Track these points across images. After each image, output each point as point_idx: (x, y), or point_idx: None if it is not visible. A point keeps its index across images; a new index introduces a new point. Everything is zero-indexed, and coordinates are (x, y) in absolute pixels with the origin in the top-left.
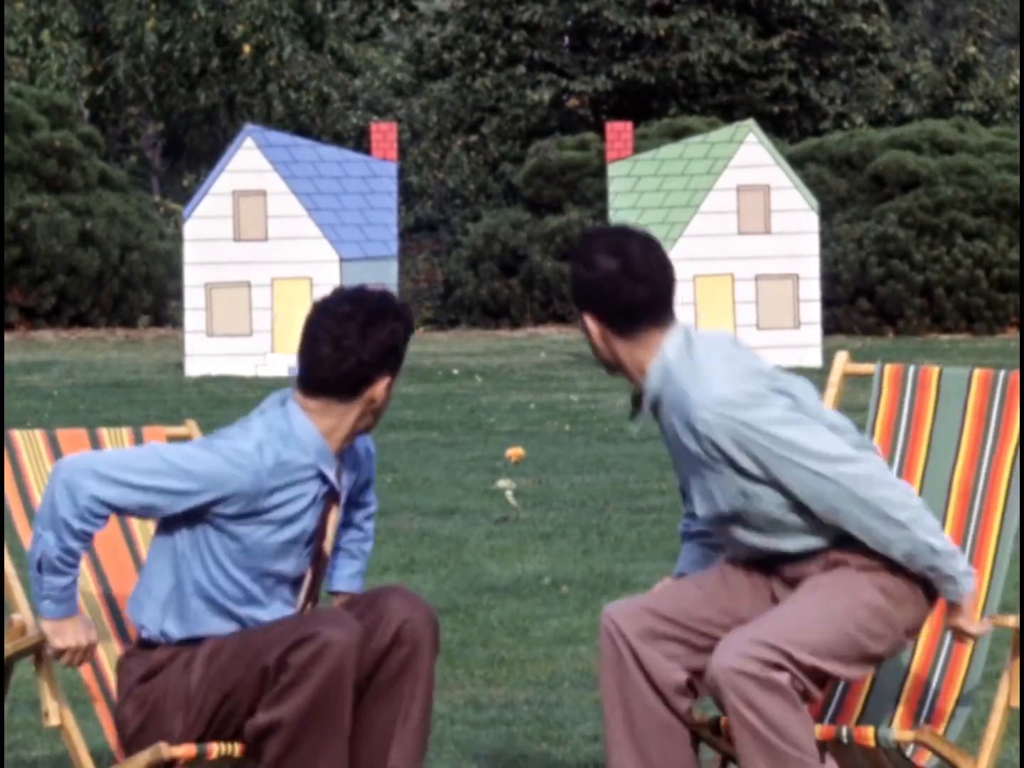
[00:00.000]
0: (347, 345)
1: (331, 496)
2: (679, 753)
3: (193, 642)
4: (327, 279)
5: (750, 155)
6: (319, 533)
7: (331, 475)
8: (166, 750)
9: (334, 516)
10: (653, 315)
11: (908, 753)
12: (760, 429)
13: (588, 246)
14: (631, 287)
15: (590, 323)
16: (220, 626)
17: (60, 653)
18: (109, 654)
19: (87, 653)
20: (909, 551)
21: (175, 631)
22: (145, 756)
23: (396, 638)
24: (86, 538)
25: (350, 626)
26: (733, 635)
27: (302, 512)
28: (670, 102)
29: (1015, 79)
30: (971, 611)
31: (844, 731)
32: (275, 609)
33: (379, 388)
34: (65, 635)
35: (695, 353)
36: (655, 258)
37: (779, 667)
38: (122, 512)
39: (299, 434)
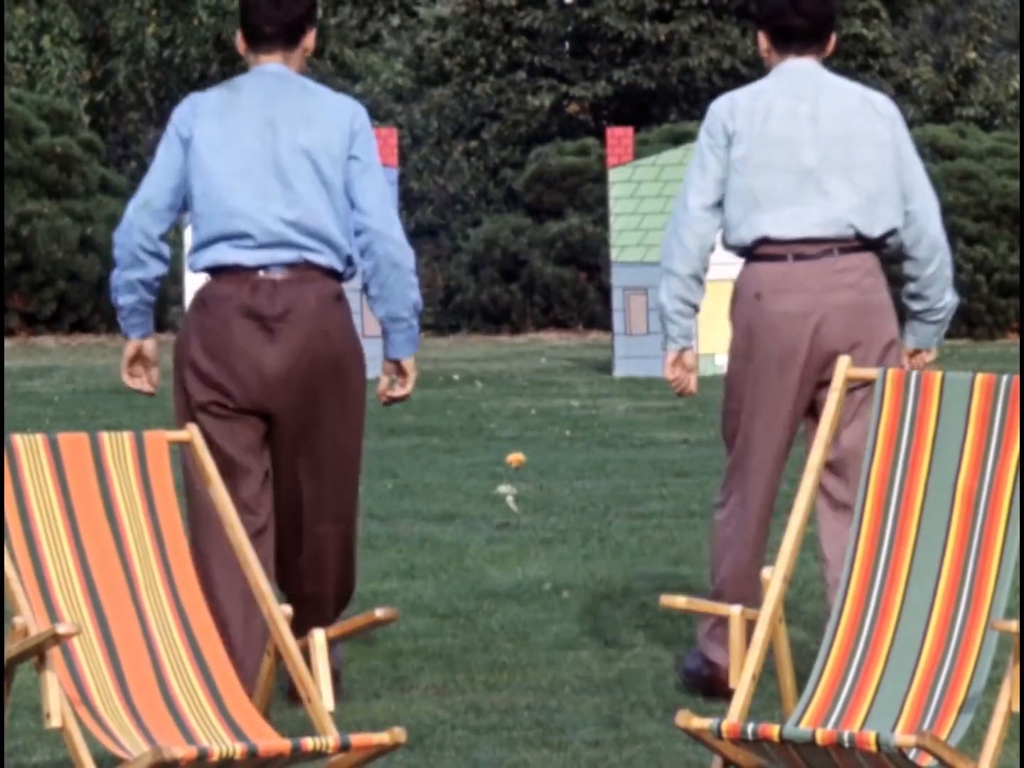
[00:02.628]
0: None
1: None
2: None
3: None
4: None
5: None
6: None
7: None
8: (167, 751)
9: None
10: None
11: (911, 756)
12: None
13: None
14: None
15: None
16: None
17: None
18: (87, 654)
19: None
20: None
21: None
22: (147, 758)
23: None
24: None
25: None
26: None
27: None
28: (671, 107)
29: (1016, 84)
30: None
31: (846, 736)
32: None
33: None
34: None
35: None
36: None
37: None
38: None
39: None
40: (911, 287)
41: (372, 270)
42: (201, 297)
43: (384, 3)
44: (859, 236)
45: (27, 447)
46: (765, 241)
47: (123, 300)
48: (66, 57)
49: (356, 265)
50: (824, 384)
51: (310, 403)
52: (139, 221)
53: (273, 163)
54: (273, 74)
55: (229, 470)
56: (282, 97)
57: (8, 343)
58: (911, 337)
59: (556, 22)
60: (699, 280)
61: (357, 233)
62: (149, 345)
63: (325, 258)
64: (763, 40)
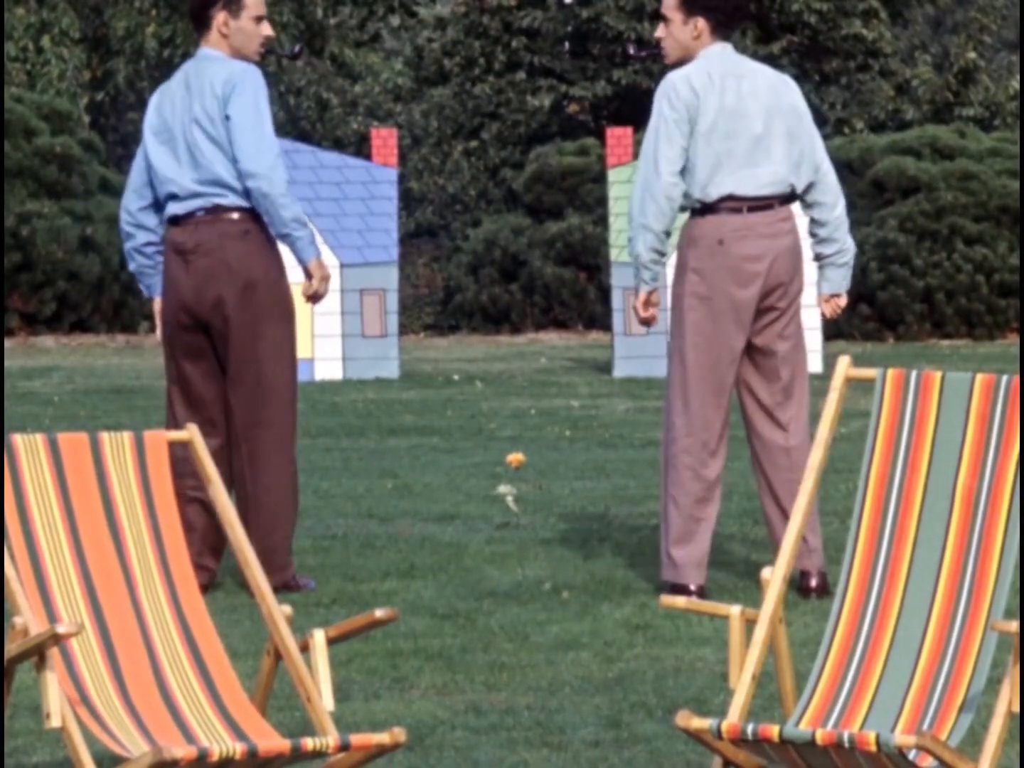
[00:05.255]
0: None
1: None
2: None
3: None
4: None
5: None
6: None
7: None
8: (167, 751)
9: None
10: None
11: (911, 756)
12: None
13: None
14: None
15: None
16: None
17: None
18: (85, 655)
19: None
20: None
21: None
22: (147, 758)
23: None
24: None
25: None
26: None
27: None
28: None
29: (1015, 85)
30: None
31: (846, 736)
32: None
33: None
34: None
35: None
36: None
37: None
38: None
39: None
40: (822, 232)
41: (253, 203)
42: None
43: (384, 3)
44: (792, 192)
45: (27, 447)
46: (729, 197)
47: (132, 267)
48: (66, 57)
49: None
50: (764, 311)
51: (222, 320)
52: (125, 202)
53: (182, 134)
54: (195, 58)
55: (182, 375)
56: (191, 77)
57: (8, 343)
58: (826, 284)
59: (556, 22)
60: (668, 233)
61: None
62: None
63: (228, 199)
64: (702, 23)
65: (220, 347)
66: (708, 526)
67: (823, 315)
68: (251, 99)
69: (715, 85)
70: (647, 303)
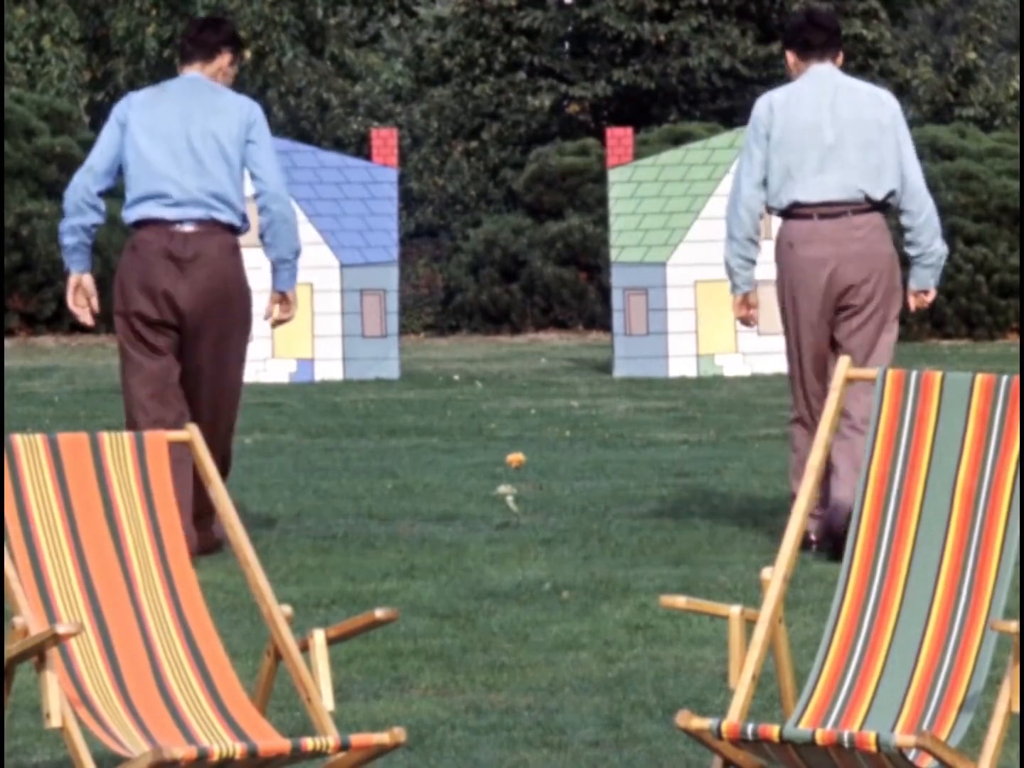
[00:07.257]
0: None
1: None
2: None
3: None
4: (327, 284)
5: None
6: None
7: None
8: (168, 751)
9: None
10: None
11: (911, 756)
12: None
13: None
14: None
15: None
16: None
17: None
18: (85, 655)
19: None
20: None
21: None
22: (147, 758)
23: None
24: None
25: None
26: None
27: None
28: (670, 108)
29: (1015, 85)
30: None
31: (846, 736)
32: None
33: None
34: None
35: None
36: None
37: None
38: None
39: None
40: (908, 236)
41: (267, 224)
42: (132, 243)
43: (384, 3)
44: (868, 199)
45: (27, 447)
46: (796, 204)
47: (67, 240)
48: (66, 57)
49: (248, 223)
50: (842, 309)
51: (205, 323)
52: (82, 180)
53: (188, 142)
54: (190, 79)
55: (148, 356)
56: (196, 94)
57: (8, 343)
58: (913, 281)
59: (556, 22)
60: (753, 241)
61: (256, 196)
62: (87, 279)
63: (226, 216)
64: (790, 57)
65: (189, 347)
66: (833, 482)
67: (908, 307)
68: (268, 131)
69: (793, 101)
70: (743, 304)
